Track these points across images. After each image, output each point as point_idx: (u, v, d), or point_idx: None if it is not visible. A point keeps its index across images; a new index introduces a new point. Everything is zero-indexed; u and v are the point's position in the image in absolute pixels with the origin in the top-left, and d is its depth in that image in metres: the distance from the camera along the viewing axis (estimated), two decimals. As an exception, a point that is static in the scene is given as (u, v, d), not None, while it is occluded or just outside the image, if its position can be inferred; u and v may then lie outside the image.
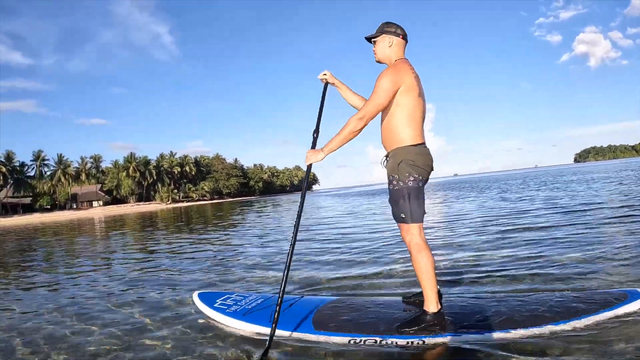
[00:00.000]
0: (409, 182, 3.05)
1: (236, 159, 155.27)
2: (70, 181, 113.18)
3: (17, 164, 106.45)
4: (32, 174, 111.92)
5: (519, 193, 20.05)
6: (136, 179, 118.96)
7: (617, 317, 3.01)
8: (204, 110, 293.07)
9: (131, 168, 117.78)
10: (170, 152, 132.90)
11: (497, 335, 2.86)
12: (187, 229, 16.98)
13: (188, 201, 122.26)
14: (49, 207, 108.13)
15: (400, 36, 3.23)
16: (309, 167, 3.30)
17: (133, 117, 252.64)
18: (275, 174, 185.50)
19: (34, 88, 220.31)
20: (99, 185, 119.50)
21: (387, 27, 3.23)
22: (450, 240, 7.68)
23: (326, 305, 3.70)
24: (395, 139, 3.12)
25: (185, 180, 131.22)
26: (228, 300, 4.03)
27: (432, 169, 3.20)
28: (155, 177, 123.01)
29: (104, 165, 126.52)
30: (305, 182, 3.39)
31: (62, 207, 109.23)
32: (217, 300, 4.02)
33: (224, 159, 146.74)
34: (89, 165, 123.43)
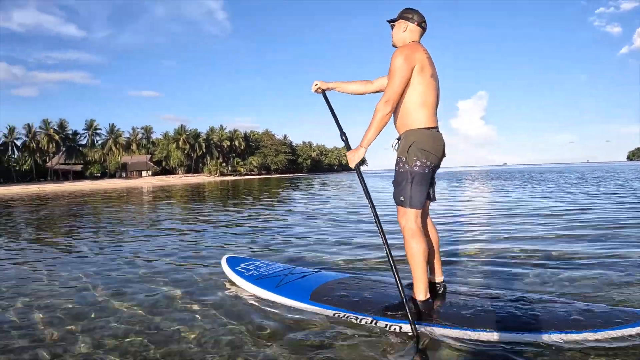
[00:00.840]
0: (414, 166, 3.01)
1: (285, 136, 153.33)
2: (121, 151, 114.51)
3: (70, 132, 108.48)
4: (83, 142, 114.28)
5: (578, 188, 18.78)
6: (185, 151, 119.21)
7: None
8: (254, 86, 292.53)
9: (181, 140, 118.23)
10: (220, 126, 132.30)
11: (484, 335, 2.77)
12: (233, 202, 17.35)
13: (236, 175, 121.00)
14: (99, 175, 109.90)
15: (416, 23, 3.20)
16: (357, 168, 3.24)
17: (184, 90, 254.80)
18: (324, 152, 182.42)
19: (86, 60, 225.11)
20: (149, 156, 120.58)
21: (405, 13, 3.22)
22: (509, 231, 7.30)
23: (335, 280, 3.86)
24: (408, 121, 3.07)
25: (233, 155, 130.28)
26: (250, 266, 4.42)
27: (443, 155, 3.14)
28: (204, 150, 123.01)
29: (154, 136, 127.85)
30: (362, 184, 3.26)
31: (112, 176, 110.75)
32: (241, 265, 4.44)
33: (274, 135, 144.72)
34: (139, 135, 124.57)
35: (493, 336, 2.74)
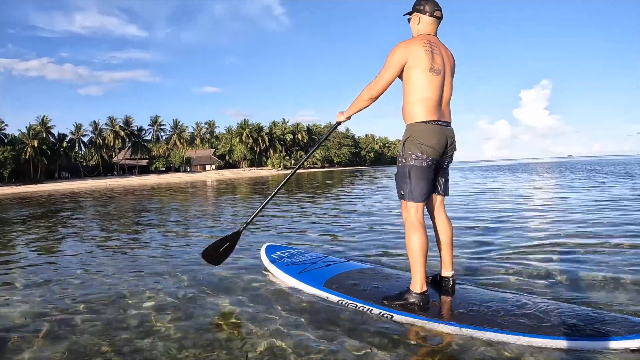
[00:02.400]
0: (410, 160, 3.08)
1: (347, 129, 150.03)
2: (185, 145, 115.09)
3: (135, 128, 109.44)
4: (148, 137, 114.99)
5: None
6: (249, 145, 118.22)
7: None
8: (315, 80, 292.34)
9: (244, 134, 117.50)
10: (283, 119, 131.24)
11: (475, 333, 2.77)
12: (297, 196, 17.20)
13: (299, 168, 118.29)
14: (163, 169, 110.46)
15: (428, 13, 3.18)
16: (335, 125, 3.62)
17: (245, 85, 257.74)
18: (387, 144, 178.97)
19: (148, 59, 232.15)
20: (212, 150, 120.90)
21: (417, 5, 3.22)
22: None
23: (356, 270, 4.01)
24: (407, 115, 3.14)
25: (296, 148, 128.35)
26: (286, 253, 4.69)
27: (446, 149, 3.16)
28: (267, 144, 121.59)
29: (217, 131, 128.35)
30: (325, 136, 4.07)
31: (177, 170, 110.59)
32: (277, 252, 4.70)
33: (337, 129, 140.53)
34: (203, 130, 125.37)
35: (484, 335, 2.73)
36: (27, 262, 5.86)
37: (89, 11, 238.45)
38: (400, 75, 3.15)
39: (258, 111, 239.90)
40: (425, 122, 3.05)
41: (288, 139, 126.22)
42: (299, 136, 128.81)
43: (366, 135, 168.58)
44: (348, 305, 3.34)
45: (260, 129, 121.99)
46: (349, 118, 3.47)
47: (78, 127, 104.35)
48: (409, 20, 3.29)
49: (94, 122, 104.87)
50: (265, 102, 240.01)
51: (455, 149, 3.24)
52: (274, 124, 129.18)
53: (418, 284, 3.06)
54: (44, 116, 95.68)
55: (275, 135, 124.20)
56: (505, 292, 3.39)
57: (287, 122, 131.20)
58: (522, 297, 3.21)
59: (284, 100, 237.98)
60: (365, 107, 3.33)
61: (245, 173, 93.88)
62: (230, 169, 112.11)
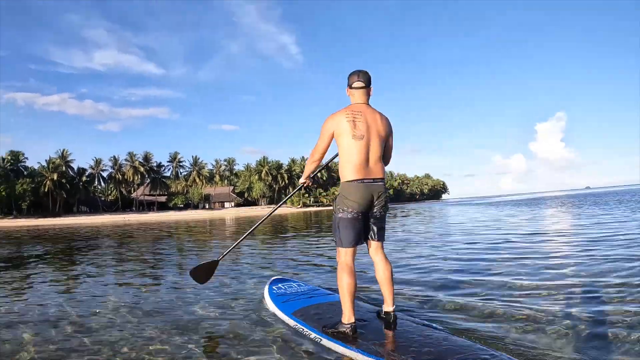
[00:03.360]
0: (338, 213, 3.55)
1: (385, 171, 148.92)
2: (204, 182, 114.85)
3: (154, 164, 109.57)
4: (167, 174, 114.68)
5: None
6: (268, 182, 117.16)
7: None
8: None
9: (264, 171, 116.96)
10: (302, 157, 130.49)
11: None
12: (316, 234, 17.22)
13: (318, 205, 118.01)
14: (182, 206, 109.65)
15: (351, 86, 3.65)
16: (300, 186, 4.20)
17: (262, 122, 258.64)
18: (405, 181, 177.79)
19: (166, 96, 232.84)
20: (231, 187, 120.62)
21: (348, 80, 3.69)
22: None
23: (329, 302, 4.37)
24: (340, 175, 3.59)
25: (315, 186, 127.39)
26: (285, 285, 5.15)
27: (372, 202, 3.54)
28: (286, 181, 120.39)
29: (236, 168, 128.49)
30: (290, 194, 4.73)
31: (196, 207, 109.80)
32: (279, 284, 5.18)
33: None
34: (222, 167, 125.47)
35: None
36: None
37: (108, 49, 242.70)
38: (330, 142, 3.63)
39: (275, 148, 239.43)
40: (351, 181, 3.50)
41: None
42: (319, 174, 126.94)
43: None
44: (299, 329, 3.79)
45: (279, 166, 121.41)
46: (306, 179, 4.03)
47: (97, 162, 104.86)
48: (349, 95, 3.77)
49: (114, 157, 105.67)
50: (283, 139, 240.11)
51: (384, 202, 3.61)
52: (293, 161, 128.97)
53: (346, 316, 3.45)
54: (64, 150, 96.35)
55: (294, 172, 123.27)
56: (439, 332, 3.54)
57: (307, 159, 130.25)
58: (455, 338, 3.34)
59: (301, 137, 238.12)
60: (315, 169, 3.93)
61: (264, 210, 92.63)
62: (250, 207, 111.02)
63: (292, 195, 4.94)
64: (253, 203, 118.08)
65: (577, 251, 7.84)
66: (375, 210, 3.59)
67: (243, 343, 3.65)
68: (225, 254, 4.74)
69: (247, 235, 4.78)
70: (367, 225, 3.63)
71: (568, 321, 3.89)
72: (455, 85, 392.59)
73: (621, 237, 9.18)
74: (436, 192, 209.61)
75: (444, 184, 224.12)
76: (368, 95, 3.67)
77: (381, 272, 3.65)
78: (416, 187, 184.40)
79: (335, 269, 3.89)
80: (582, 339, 3.51)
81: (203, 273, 4.74)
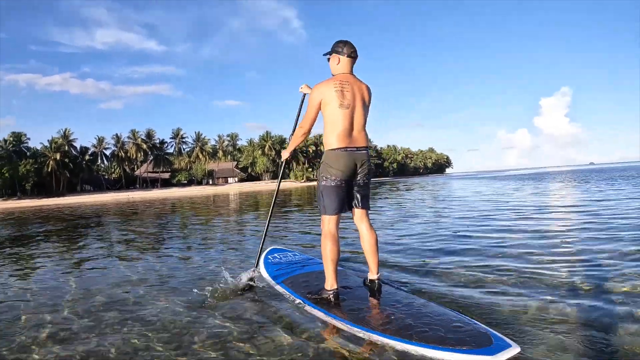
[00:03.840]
0: (322, 181, 3.64)
1: (370, 139, 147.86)
2: (207, 158, 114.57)
3: (157, 141, 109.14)
4: (170, 150, 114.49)
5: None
6: (271, 157, 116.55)
7: None
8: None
9: (267, 146, 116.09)
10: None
11: (361, 332, 3.06)
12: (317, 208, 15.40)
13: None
14: (185, 182, 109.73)
15: (346, 54, 3.67)
16: (281, 164, 4.45)
17: (265, 98, 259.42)
18: (409, 155, 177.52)
19: (169, 73, 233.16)
20: (235, 163, 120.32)
21: (336, 47, 3.71)
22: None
23: (318, 271, 4.29)
24: (324, 143, 3.68)
25: (319, 160, 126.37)
26: (280, 255, 5.30)
27: (354, 171, 3.63)
28: (290, 156, 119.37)
29: (239, 143, 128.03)
30: (279, 175, 4.71)
31: (199, 183, 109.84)
32: (275, 253, 5.34)
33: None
34: (225, 143, 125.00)
35: (370, 336, 3.00)
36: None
37: (108, 27, 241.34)
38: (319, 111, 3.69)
39: (278, 123, 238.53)
40: (335, 149, 3.58)
41: (310, 151, 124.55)
42: (322, 148, 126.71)
43: (388, 146, 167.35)
44: (287, 295, 3.98)
45: (282, 141, 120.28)
46: (291, 154, 4.13)
47: (100, 141, 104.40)
48: (329, 59, 3.80)
49: (116, 135, 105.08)
50: (286, 114, 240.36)
51: (367, 170, 3.71)
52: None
53: (329, 283, 3.61)
54: (66, 129, 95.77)
55: (297, 147, 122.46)
56: (419, 299, 3.60)
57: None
58: (435, 306, 3.41)
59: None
60: (301, 142, 3.94)
61: (267, 185, 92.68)
62: (253, 182, 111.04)
63: (281, 176, 4.76)
64: (257, 178, 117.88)
65: (575, 226, 7.84)
66: (358, 178, 3.69)
67: (227, 306, 3.86)
68: (259, 261, 4.73)
69: (266, 233, 4.67)
70: (350, 193, 3.73)
71: (548, 289, 3.98)
72: (461, 58, 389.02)
73: (619, 216, 8.78)
74: (440, 166, 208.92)
75: (447, 158, 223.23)
76: (353, 65, 3.77)
77: (366, 240, 3.76)
78: (420, 161, 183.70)
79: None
80: (559, 301, 3.64)
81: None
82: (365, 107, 3.70)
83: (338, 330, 3.16)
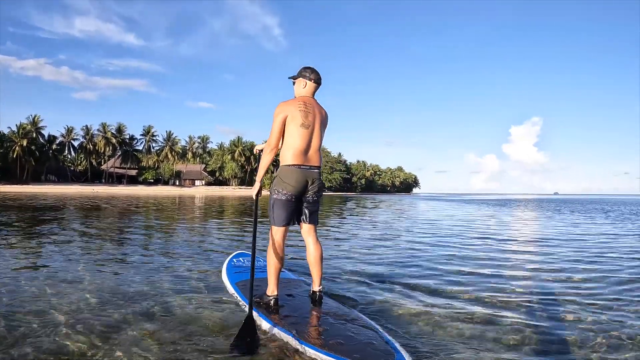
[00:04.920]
0: (274, 194, 3.86)
1: (340, 153, 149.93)
2: (176, 158, 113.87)
3: (127, 136, 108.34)
4: (140, 147, 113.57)
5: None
6: (240, 163, 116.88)
7: None
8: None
9: (237, 152, 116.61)
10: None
11: (290, 340, 3.24)
12: None
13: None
14: (152, 180, 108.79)
15: (312, 80, 3.99)
16: (256, 197, 3.98)
17: (239, 103, 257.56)
18: (378, 172, 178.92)
19: (145, 68, 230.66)
20: (203, 166, 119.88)
21: (304, 72, 3.99)
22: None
23: (282, 279, 4.55)
24: (280, 158, 3.87)
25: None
26: (245, 258, 5.69)
27: (305, 187, 3.84)
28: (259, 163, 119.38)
29: (209, 146, 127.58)
30: (255, 211, 4.06)
31: (166, 183, 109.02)
32: (240, 258, 5.71)
33: (329, 152, 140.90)
34: (196, 144, 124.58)
35: (297, 345, 3.16)
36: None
37: (88, 15, 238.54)
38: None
39: (250, 130, 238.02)
40: (289, 165, 3.78)
41: (280, 160, 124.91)
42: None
43: (358, 162, 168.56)
44: (236, 297, 4.32)
45: (253, 147, 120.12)
46: (261, 184, 3.95)
47: (69, 131, 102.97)
48: (294, 82, 4.08)
49: (86, 126, 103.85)
50: (258, 121, 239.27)
51: (318, 188, 3.91)
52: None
53: (270, 289, 3.89)
54: (35, 116, 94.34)
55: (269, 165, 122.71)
56: (353, 313, 3.87)
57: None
58: (363, 320, 3.65)
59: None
60: (270, 162, 3.89)
61: (235, 192, 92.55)
62: (220, 186, 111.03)
63: (256, 207, 3.98)
64: (224, 183, 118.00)
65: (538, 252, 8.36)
66: (309, 194, 3.89)
67: (178, 308, 4.04)
68: (251, 286, 3.61)
69: (254, 248, 3.83)
70: (299, 208, 3.94)
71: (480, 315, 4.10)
72: (434, 81, 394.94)
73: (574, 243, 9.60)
74: (408, 185, 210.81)
75: (415, 177, 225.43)
76: (316, 91, 4.05)
77: (311, 254, 3.96)
78: (388, 179, 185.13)
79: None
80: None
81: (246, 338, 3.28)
82: (323, 129, 3.96)
83: (267, 333, 3.41)
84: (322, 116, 3.96)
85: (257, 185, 3.92)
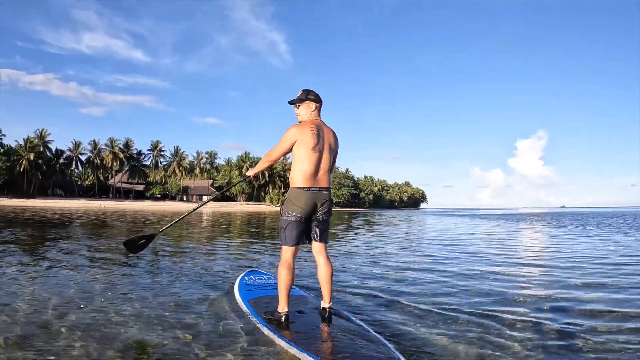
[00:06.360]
0: (284, 215, 3.98)
1: (347, 169, 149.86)
2: (184, 173, 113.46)
3: (135, 151, 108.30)
4: (147, 162, 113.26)
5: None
6: (248, 179, 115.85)
7: None
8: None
9: (245, 167, 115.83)
10: (284, 156, 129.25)
11: (302, 355, 3.23)
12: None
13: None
14: (159, 196, 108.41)
15: (318, 102, 4.13)
16: (244, 177, 4.78)
17: (246, 119, 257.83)
18: (386, 187, 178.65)
19: (152, 84, 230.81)
20: (211, 181, 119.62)
21: (309, 96, 4.11)
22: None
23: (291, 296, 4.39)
24: (290, 180, 3.99)
25: (256, 183, 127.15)
26: (255, 277, 5.71)
27: (314, 208, 3.95)
28: (267, 179, 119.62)
29: (217, 162, 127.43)
30: (236, 182, 5.60)
31: (173, 198, 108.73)
32: (252, 276, 5.76)
33: (337, 168, 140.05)
34: (203, 160, 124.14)
35: (302, 355, 3.23)
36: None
37: (96, 31, 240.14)
38: (291, 149, 3.99)
39: (257, 146, 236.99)
40: (300, 188, 3.90)
41: (288, 176, 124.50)
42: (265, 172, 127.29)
43: (365, 177, 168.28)
44: (248, 315, 4.27)
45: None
46: (255, 175, 4.40)
47: (77, 145, 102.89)
48: (297, 106, 4.15)
49: (94, 141, 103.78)
50: (265, 137, 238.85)
51: (327, 208, 4.03)
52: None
53: (281, 306, 3.98)
54: (42, 130, 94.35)
55: (275, 171, 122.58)
56: (363, 329, 3.85)
57: (288, 159, 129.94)
58: (376, 339, 3.60)
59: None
60: (266, 168, 4.37)
61: (242, 207, 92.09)
62: (228, 202, 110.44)
63: (236, 184, 5.85)
64: (231, 199, 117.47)
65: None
66: (318, 214, 4.00)
67: (188, 321, 4.13)
68: (165, 229, 4.98)
69: (191, 212, 5.12)
70: (310, 227, 4.06)
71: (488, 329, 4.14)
72: (441, 96, 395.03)
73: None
74: (415, 200, 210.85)
75: (423, 193, 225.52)
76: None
77: (322, 271, 4.05)
78: (396, 194, 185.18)
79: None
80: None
81: (138, 244, 4.82)
82: (332, 151, 4.04)
83: (275, 346, 3.52)
84: (331, 138, 4.06)
85: (253, 172, 4.36)
